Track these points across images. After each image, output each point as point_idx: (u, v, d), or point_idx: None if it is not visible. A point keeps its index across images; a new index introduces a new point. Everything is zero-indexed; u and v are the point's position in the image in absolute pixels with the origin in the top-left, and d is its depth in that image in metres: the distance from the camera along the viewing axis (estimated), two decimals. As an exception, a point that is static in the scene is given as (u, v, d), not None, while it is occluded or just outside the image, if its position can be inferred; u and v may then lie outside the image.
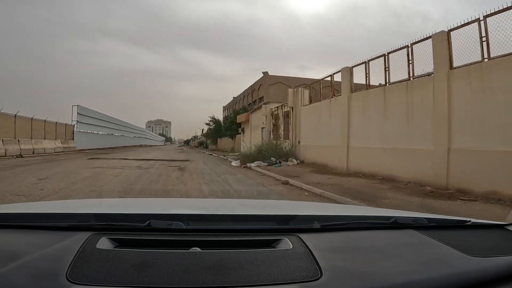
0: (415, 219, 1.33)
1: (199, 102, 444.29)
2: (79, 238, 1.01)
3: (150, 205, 1.95)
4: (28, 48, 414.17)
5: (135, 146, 66.12)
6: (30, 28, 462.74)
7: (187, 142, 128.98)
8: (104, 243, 1.00)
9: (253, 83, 38.83)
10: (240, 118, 27.46)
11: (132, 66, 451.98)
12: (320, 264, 0.92)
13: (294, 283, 0.84)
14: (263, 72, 35.96)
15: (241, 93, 45.67)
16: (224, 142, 37.33)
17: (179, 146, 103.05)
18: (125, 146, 56.85)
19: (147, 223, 1.10)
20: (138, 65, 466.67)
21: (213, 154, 26.05)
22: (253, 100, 33.05)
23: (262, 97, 35.59)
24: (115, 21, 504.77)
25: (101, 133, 45.52)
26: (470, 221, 1.35)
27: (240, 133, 27.08)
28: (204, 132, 61.27)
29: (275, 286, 0.84)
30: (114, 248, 1.00)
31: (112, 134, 52.81)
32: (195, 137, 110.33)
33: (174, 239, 1.07)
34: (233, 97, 57.61)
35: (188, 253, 0.97)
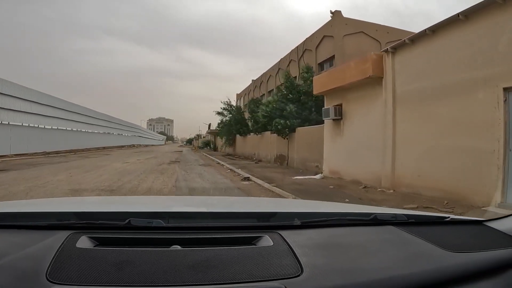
0: (395, 215, 1.31)
1: (201, 101, 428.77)
2: (59, 237, 0.97)
3: (130, 203, 1.94)
4: (30, 46, 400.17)
5: (122, 147, 50.67)
6: (33, 27, 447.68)
7: (189, 141, 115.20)
8: (84, 242, 0.97)
9: (307, 38, 22.32)
10: (344, 75, 9.18)
11: (134, 65, 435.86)
12: (300, 260, 0.91)
13: (275, 280, 0.83)
14: (332, 12, 19.48)
15: (274, 65, 29.28)
16: (253, 142, 20.98)
17: (180, 146, 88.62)
18: (104, 148, 41.21)
19: (127, 221, 1.06)
20: (140, 64, 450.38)
21: (280, 190, 8.86)
22: (308, 67, 16.73)
23: (332, 57, 19.23)
24: (117, 20, 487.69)
25: (57, 127, 29.36)
26: (449, 217, 1.34)
27: (323, 121, 10.37)
28: (210, 129, 44.96)
29: (256, 283, 0.82)
30: (94, 247, 0.96)
31: (84, 130, 36.78)
32: (198, 136, 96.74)
33: (155, 237, 1.04)
34: (253, 80, 41.32)
35: (168, 251, 0.94)
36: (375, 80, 8.45)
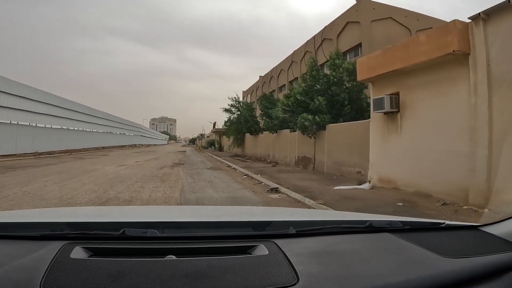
0: (390, 222, 1.30)
1: (204, 101, 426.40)
2: (53, 248, 0.96)
3: (124, 213, 1.90)
4: (35, 47, 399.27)
5: (123, 147, 48.73)
6: (37, 27, 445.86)
7: (192, 141, 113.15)
8: (78, 252, 0.95)
9: (326, 26, 19.84)
10: (407, 53, 6.64)
11: (137, 65, 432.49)
12: (296, 269, 0.90)
13: None
14: (358, -5, 17.05)
15: (286, 58, 26.85)
16: (267, 142, 18.59)
17: (183, 145, 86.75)
18: (103, 148, 39.11)
19: (121, 231, 1.05)
20: (143, 64, 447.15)
21: (334, 210, 6.61)
22: (338, 53, 14.11)
23: (358, 45, 16.87)
24: (120, 21, 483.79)
25: (50, 126, 27.19)
26: (444, 223, 1.33)
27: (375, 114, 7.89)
28: (215, 127, 42.62)
29: None
30: (88, 257, 0.95)
31: (82, 129, 34.69)
32: (202, 135, 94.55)
33: (149, 247, 1.03)
34: (260, 76, 39.15)
35: (163, 261, 0.93)
36: (456, 58, 6.08)
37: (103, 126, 42.99)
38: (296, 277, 0.86)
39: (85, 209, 3.29)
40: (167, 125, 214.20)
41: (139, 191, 7.08)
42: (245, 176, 10.64)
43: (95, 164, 15.28)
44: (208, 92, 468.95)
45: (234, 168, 13.81)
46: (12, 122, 21.88)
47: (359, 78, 8.63)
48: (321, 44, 20.42)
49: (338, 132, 10.65)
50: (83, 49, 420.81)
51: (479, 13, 5.80)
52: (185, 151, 36.15)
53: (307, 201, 6.08)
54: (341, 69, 11.42)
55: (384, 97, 7.43)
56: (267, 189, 7.67)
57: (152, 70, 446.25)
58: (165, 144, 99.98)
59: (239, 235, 1.14)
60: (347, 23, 17.87)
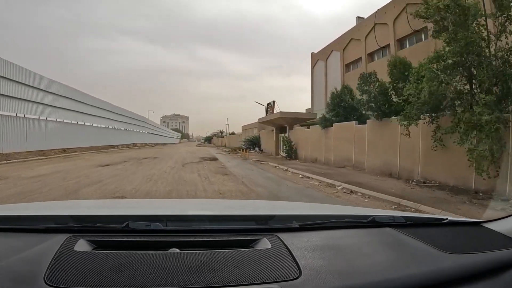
0: (393, 217, 1.29)
1: (214, 100, 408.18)
2: (57, 240, 0.95)
3: (128, 206, 1.90)
4: (47, 47, 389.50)
5: (111, 147, 30.70)
6: (49, 27, 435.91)
7: (208, 139, 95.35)
8: (82, 245, 0.94)
9: None
10: None
11: (148, 64, 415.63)
12: (299, 263, 0.90)
13: (274, 283, 0.81)
14: None
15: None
16: None
17: (199, 145, 68.85)
18: (63, 150, 21.06)
19: (125, 224, 1.04)
20: (154, 63, 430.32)
21: None
22: None
23: None
24: (130, 20, 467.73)
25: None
26: (447, 219, 1.32)
27: None
28: (272, 110, 24.06)
29: (254, 285, 0.80)
30: (92, 250, 0.94)
31: (61, 120, 16.52)
32: (221, 132, 76.97)
33: (153, 240, 1.02)
34: (360, 17, 20.76)
35: (167, 254, 0.93)
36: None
37: (74, 112, 24.75)
38: (298, 270, 0.85)
39: (89, 202, 3.26)
40: (179, 122, 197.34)
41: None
42: None
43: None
44: (220, 91, 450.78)
45: None
46: None
47: None
48: None
49: None
50: (94, 48, 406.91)
51: None
52: (216, 159, 17.88)
53: None
54: None
55: None
56: None
57: (164, 69, 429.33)
58: (177, 143, 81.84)
59: (242, 229, 1.12)
60: None
